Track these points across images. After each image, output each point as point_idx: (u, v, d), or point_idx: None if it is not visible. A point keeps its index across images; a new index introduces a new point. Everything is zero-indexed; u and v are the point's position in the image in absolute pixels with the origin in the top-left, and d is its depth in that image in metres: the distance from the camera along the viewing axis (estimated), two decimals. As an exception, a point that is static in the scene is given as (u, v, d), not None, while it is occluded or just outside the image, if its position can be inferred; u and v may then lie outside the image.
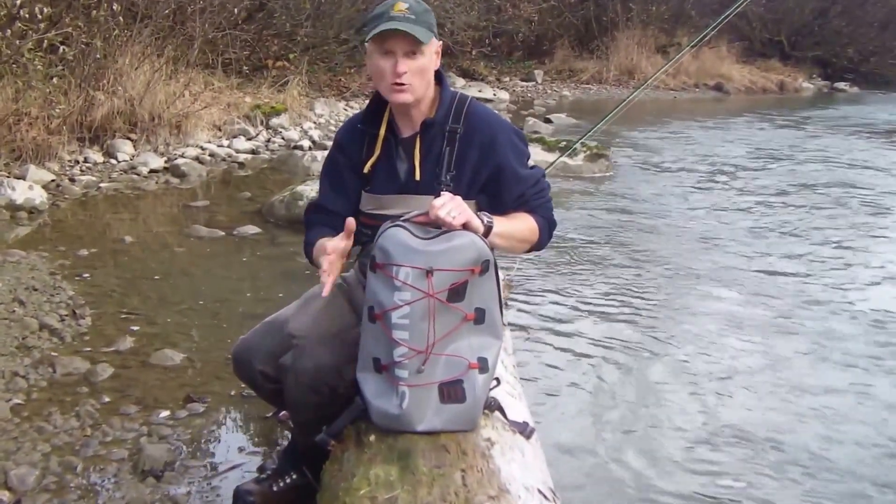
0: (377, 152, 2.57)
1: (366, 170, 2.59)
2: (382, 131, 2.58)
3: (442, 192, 2.36)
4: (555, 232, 2.69)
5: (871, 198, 8.92)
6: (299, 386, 2.47)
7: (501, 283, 3.98)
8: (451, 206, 2.25)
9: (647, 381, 4.15)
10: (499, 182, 2.52)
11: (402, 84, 2.43)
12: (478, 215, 2.33)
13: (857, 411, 3.97)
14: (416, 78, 2.44)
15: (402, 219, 2.27)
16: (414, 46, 2.41)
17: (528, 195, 2.57)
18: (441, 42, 2.56)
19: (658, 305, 5.21)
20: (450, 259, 2.18)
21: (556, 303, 5.19)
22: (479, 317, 2.24)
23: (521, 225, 2.55)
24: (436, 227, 2.25)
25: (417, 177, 2.50)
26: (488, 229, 2.34)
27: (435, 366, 2.20)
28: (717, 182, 9.56)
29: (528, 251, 2.67)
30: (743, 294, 5.51)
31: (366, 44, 2.51)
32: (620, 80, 19.63)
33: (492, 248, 2.29)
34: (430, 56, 2.48)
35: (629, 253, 6.39)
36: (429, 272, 2.16)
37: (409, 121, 2.55)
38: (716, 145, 12.33)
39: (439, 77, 2.57)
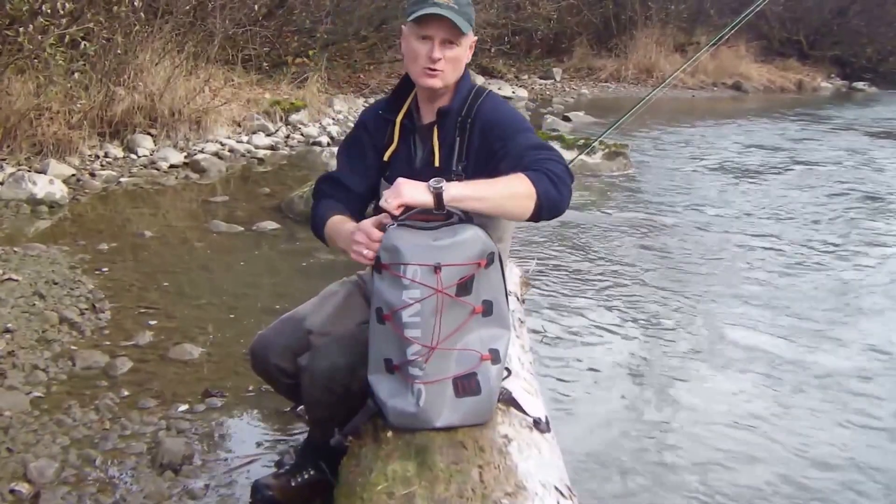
0: (395, 141, 2.60)
1: (385, 158, 2.62)
2: (399, 118, 2.60)
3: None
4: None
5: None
6: (315, 385, 2.49)
7: (519, 279, 4.01)
8: (387, 194, 2.20)
9: (665, 382, 4.13)
10: (500, 158, 2.41)
11: (435, 70, 2.46)
12: (427, 185, 2.19)
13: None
14: (449, 66, 2.47)
15: (401, 218, 2.22)
16: (452, 35, 2.44)
17: (526, 157, 2.35)
18: (476, 38, 2.58)
19: (677, 307, 5.18)
20: (457, 253, 2.18)
21: (573, 302, 5.17)
22: (487, 309, 2.25)
23: (498, 182, 2.27)
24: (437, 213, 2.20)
25: (437, 164, 2.51)
26: (437, 196, 2.17)
27: (448, 360, 2.21)
28: (736, 181, 9.51)
29: (539, 210, 2.28)
30: (766, 297, 5.46)
31: (403, 26, 2.54)
32: (639, 79, 19.56)
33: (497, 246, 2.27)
34: (465, 48, 2.51)
35: (646, 252, 6.36)
36: (437, 268, 2.15)
37: (430, 109, 2.58)
38: (734, 144, 12.26)
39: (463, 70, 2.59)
